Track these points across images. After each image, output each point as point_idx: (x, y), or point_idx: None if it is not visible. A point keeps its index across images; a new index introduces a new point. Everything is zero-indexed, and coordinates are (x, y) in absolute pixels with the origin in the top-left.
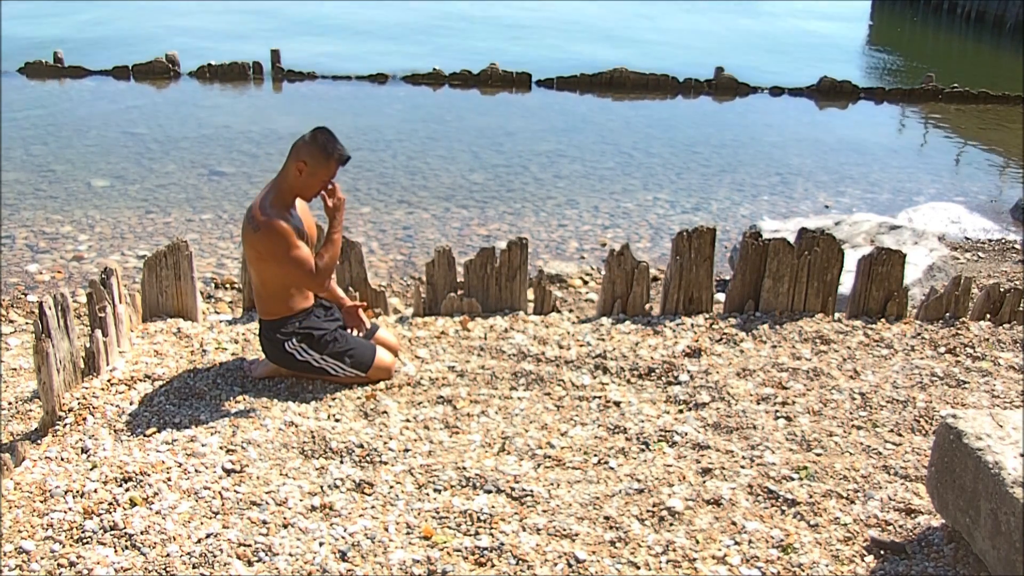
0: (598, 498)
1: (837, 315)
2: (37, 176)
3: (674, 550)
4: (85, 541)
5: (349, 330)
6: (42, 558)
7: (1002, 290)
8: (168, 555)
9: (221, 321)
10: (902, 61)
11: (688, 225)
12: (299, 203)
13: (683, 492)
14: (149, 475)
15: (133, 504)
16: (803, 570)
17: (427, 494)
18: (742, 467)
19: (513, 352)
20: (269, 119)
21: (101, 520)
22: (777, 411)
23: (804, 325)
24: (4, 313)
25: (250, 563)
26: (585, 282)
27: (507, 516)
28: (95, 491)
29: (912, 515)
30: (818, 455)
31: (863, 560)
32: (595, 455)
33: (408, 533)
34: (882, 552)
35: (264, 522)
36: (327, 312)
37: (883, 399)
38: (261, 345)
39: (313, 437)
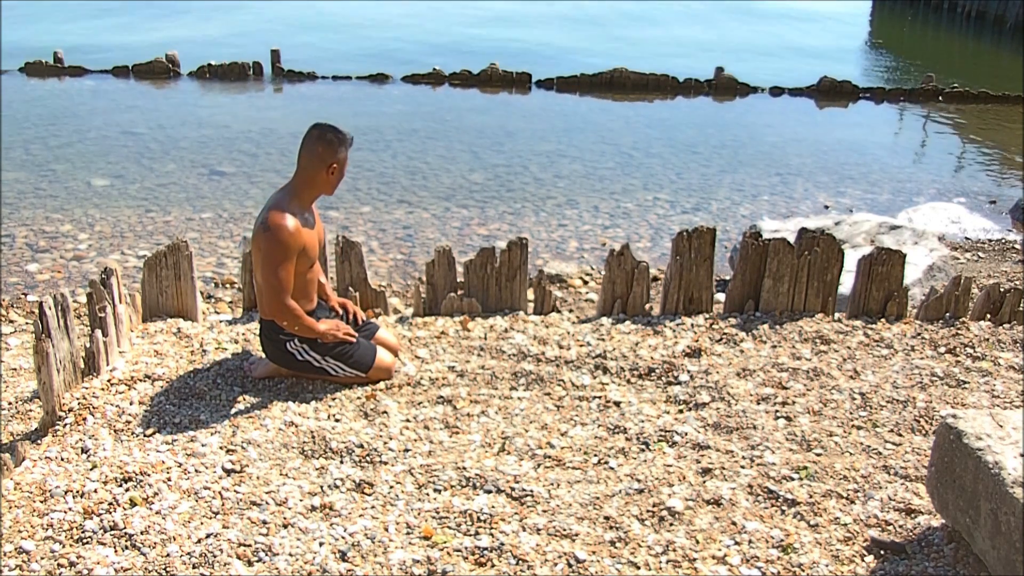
0: (598, 498)
1: (837, 315)
2: (37, 175)
3: (674, 550)
4: (85, 541)
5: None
6: (42, 558)
7: (1002, 290)
8: (168, 555)
9: (221, 321)
10: (902, 61)
11: (688, 225)
12: (313, 209)
13: (683, 492)
14: (149, 475)
15: (133, 504)
16: (803, 570)
17: (427, 494)
18: (742, 467)
19: (513, 352)
20: (269, 119)
21: (101, 520)
22: (777, 411)
23: (804, 325)
24: (4, 313)
25: (250, 563)
26: (585, 282)
27: (507, 516)
28: (95, 491)
29: (912, 515)
30: (818, 455)
31: (863, 560)
32: (595, 455)
33: (408, 533)
34: (882, 552)
35: (264, 522)
36: (328, 314)
37: (883, 399)
38: (261, 345)
39: (313, 437)
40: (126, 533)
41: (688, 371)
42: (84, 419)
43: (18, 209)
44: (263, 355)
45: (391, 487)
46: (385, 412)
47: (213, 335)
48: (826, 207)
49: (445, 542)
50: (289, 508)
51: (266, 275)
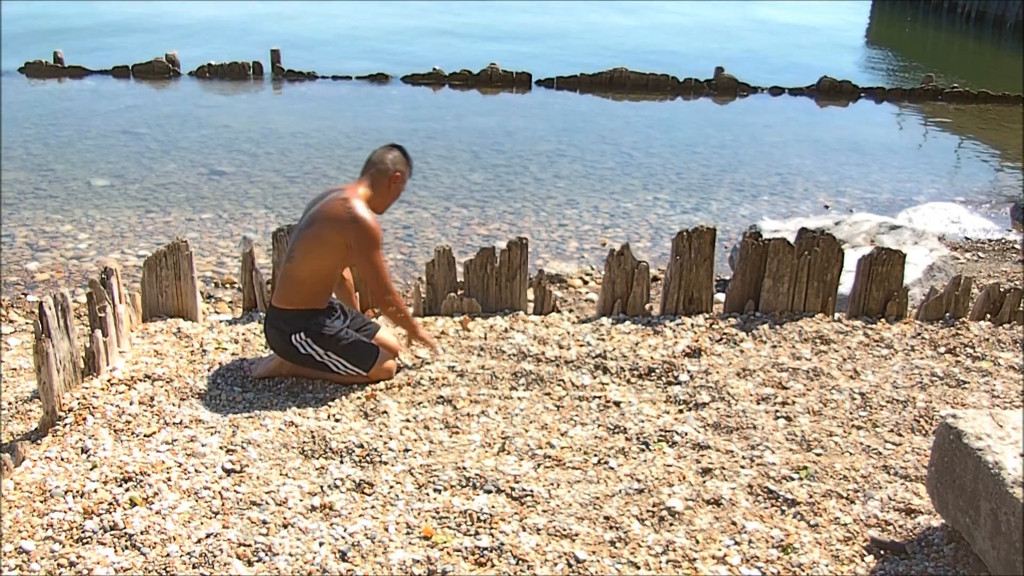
0: (598, 498)
1: (837, 315)
2: (37, 175)
3: (674, 550)
4: (85, 541)
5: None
6: (42, 558)
7: (1002, 290)
8: (168, 555)
9: (221, 321)
10: (902, 61)
11: (688, 225)
12: None
13: (683, 492)
14: (149, 475)
15: (133, 504)
16: (803, 570)
17: (427, 494)
18: (742, 467)
19: (513, 352)
20: (269, 119)
21: (101, 520)
22: (777, 411)
23: (804, 325)
24: (4, 313)
25: (250, 563)
26: (585, 282)
27: (507, 516)
28: (95, 491)
29: (912, 515)
30: (818, 455)
31: (863, 560)
32: (595, 455)
33: (408, 533)
34: (882, 552)
35: (264, 522)
36: (337, 312)
37: (883, 399)
38: (266, 333)
39: (313, 437)
40: (126, 533)
41: (688, 371)
42: (84, 419)
43: (18, 209)
44: (267, 349)
45: (391, 487)
46: (385, 412)
47: (213, 335)
48: (826, 207)
49: (445, 542)
50: (289, 508)
51: (372, 261)
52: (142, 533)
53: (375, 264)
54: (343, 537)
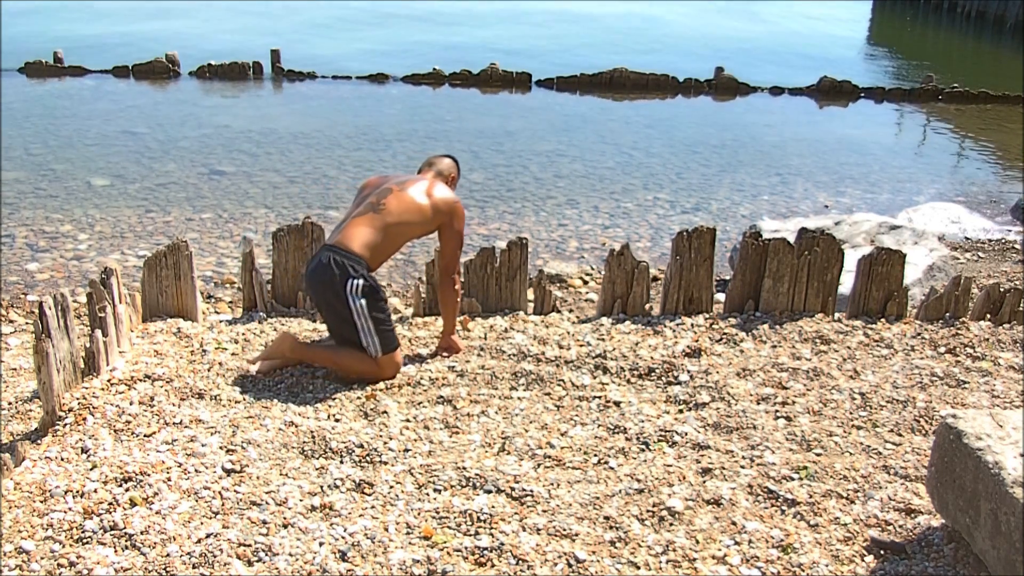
0: (598, 498)
1: (837, 315)
2: (37, 175)
3: (674, 550)
4: (85, 541)
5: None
6: (42, 558)
7: (1002, 290)
8: (168, 555)
9: (221, 321)
10: (902, 61)
11: (688, 225)
12: None
13: (683, 492)
14: (149, 475)
15: (133, 504)
16: (803, 570)
17: (427, 494)
18: (742, 467)
19: (513, 352)
20: (269, 119)
21: (101, 520)
22: (777, 411)
23: (804, 325)
24: (4, 313)
25: (250, 563)
26: (585, 282)
27: (507, 516)
28: (95, 491)
29: (912, 515)
30: (818, 455)
31: (863, 560)
32: (595, 455)
33: (408, 533)
34: (882, 552)
35: (264, 522)
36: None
37: (883, 399)
38: (315, 274)
39: (313, 437)
40: (126, 533)
41: (688, 371)
42: (84, 419)
43: (18, 209)
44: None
45: (391, 487)
46: (385, 412)
47: (213, 335)
48: (826, 207)
49: (445, 542)
50: (289, 508)
51: (462, 237)
52: (142, 533)
53: (462, 240)
54: (343, 537)
